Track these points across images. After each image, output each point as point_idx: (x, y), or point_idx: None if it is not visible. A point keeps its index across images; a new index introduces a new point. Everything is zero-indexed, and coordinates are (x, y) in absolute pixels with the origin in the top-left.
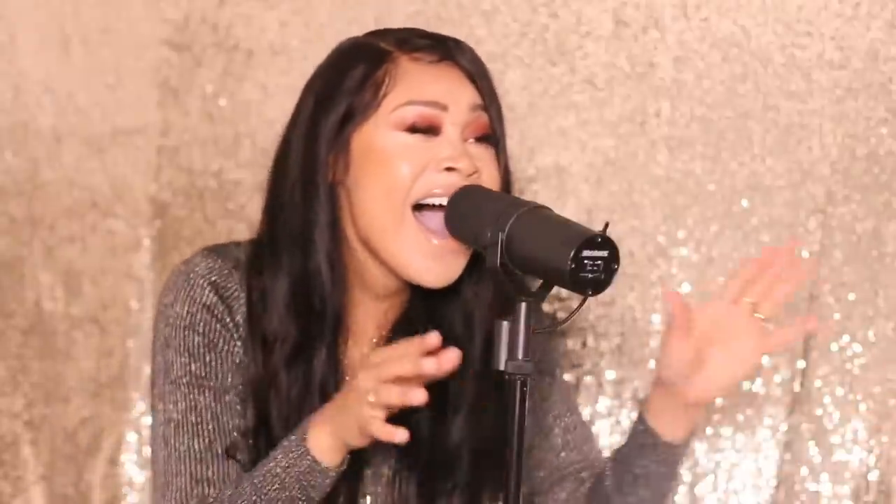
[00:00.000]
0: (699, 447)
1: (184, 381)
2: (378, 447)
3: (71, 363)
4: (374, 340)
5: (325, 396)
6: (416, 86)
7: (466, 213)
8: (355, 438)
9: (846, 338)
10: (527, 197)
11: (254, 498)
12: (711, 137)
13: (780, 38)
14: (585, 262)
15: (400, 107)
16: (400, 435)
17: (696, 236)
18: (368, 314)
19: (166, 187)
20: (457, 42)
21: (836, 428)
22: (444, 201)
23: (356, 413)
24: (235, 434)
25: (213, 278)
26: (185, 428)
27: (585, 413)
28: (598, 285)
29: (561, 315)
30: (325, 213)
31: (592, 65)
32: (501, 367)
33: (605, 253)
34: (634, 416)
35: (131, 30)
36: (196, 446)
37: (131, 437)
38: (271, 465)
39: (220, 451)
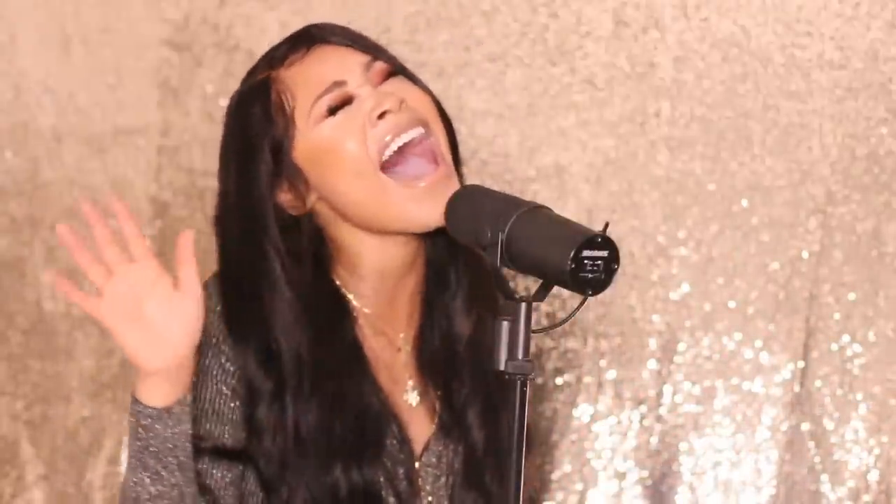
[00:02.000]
0: (699, 447)
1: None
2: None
3: (71, 363)
4: (409, 329)
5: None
6: (310, 84)
7: (466, 213)
8: (136, 360)
9: (846, 338)
10: (527, 197)
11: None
12: (711, 137)
13: (780, 38)
14: (585, 262)
15: (311, 109)
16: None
17: (696, 236)
18: (389, 297)
19: (167, 187)
20: (318, 25)
21: (836, 428)
22: (403, 140)
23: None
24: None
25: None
26: None
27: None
28: (598, 285)
29: (561, 315)
30: (284, 259)
31: (592, 65)
32: (501, 367)
33: (605, 253)
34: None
35: (131, 30)
36: None
37: None
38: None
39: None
